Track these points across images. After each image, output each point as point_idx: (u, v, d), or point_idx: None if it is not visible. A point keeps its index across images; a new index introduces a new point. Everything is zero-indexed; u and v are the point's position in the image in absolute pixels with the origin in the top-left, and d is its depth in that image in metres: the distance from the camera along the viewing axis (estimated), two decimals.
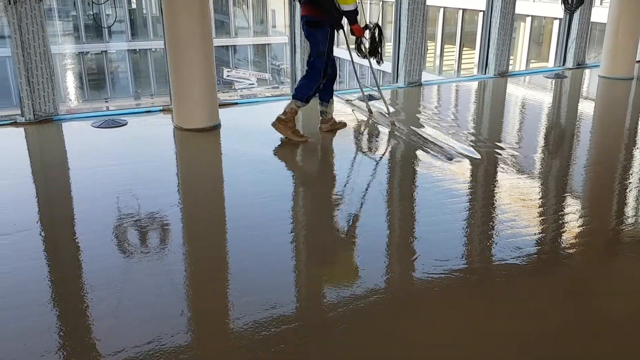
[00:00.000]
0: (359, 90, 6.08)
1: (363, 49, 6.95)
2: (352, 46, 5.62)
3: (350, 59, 5.67)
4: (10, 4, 5.24)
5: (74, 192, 4.25)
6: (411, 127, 5.59)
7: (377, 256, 3.28)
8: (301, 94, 5.01)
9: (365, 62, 5.92)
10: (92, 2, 5.47)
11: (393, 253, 3.36)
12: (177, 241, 3.53)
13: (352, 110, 6.21)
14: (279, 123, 5.02)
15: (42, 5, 5.36)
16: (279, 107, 5.20)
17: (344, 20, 4.97)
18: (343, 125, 5.55)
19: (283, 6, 24.36)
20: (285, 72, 24.94)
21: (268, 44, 25.17)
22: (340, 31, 5.10)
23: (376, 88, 6.00)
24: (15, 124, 5.56)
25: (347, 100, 6.48)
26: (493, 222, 3.66)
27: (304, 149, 5.04)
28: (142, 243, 3.43)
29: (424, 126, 5.72)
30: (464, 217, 3.75)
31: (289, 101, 5.05)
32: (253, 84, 25.27)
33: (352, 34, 5.16)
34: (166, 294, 2.91)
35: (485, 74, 8.06)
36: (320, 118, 5.41)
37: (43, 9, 5.38)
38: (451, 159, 4.68)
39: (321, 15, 4.82)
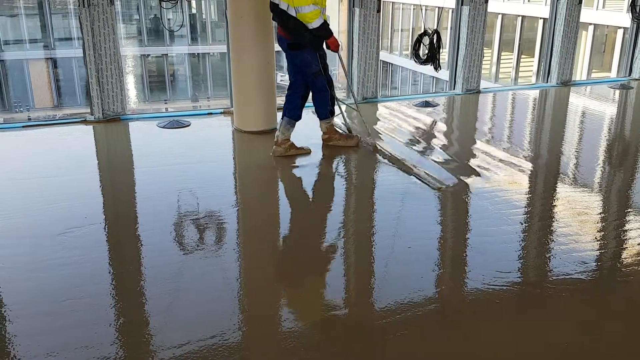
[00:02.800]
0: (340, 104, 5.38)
1: (421, 55, 6.95)
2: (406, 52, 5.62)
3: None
4: (84, 6, 5.51)
5: (138, 190, 4.42)
6: (395, 153, 4.93)
7: (436, 265, 3.24)
8: (323, 113, 4.98)
9: (421, 68, 5.68)
10: (160, 6, 5.67)
11: (453, 262, 3.31)
12: (237, 240, 3.61)
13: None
14: (327, 142, 5.09)
15: (114, 8, 5.61)
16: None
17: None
18: (306, 151, 4.95)
19: (338, 12, 24.46)
20: (336, 78, 24.99)
21: (341, 55, 25.32)
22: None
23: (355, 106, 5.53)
24: (85, 122, 5.83)
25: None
26: (556, 235, 3.55)
27: (358, 154, 5.05)
28: (202, 241, 3.52)
29: (477, 137, 5.61)
30: (526, 228, 3.66)
31: (320, 124, 5.08)
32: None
33: (328, 48, 4.73)
34: (227, 291, 2.98)
35: (547, 82, 7.85)
36: (275, 139, 4.91)
37: (114, 12, 5.63)
38: (439, 188, 4.22)
39: (297, 39, 4.58)
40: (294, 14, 4.46)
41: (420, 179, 4.41)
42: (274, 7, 4.58)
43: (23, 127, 5.92)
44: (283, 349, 2.53)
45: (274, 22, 4.79)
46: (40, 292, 2.91)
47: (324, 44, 4.70)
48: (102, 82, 5.73)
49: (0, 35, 18.99)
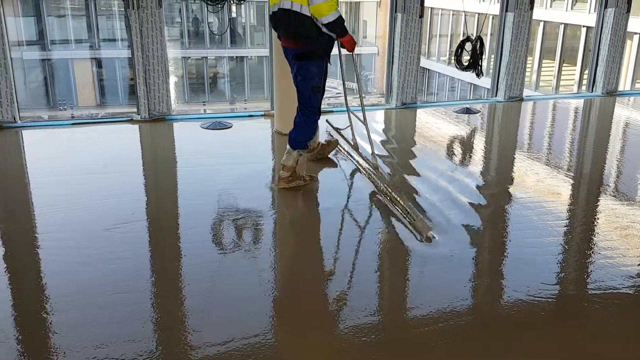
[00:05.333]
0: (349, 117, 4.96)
1: (463, 61, 6.90)
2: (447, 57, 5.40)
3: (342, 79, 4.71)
4: (133, 8, 5.66)
5: (182, 189, 4.51)
6: (393, 186, 4.22)
7: (479, 274, 3.21)
8: (301, 142, 4.23)
9: (459, 74, 5.42)
10: (207, 9, 5.78)
11: (496, 272, 3.27)
12: (275, 242, 3.65)
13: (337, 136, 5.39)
14: (286, 183, 4.26)
15: (162, 11, 5.75)
16: (371, 115, 5.18)
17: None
18: (334, 145, 4.90)
19: (375, 17, 24.45)
20: (372, 82, 24.96)
21: (358, 54, 25.35)
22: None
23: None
24: (131, 121, 5.99)
25: (336, 128, 5.53)
26: (602, 249, 3.47)
27: (401, 160, 5.03)
28: (241, 241, 3.57)
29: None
30: (571, 240, 3.59)
31: (286, 155, 4.26)
32: (340, 92, 25.47)
33: (342, 47, 4.13)
34: (265, 291, 3.02)
35: (592, 91, 7.68)
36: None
37: (163, 15, 5.76)
38: (426, 237, 3.55)
39: (309, 46, 3.96)
40: (307, 12, 3.81)
41: (402, 221, 3.78)
42: (279, 15, 3.98)
43: (72, 124, 6.12)
44: (329, 350, 2.54)
45: (276, 32, 4.22)
46: (90, 285, 3.00)
47: (338, 44, 4.12)
48: (149, 83, 5.88)
49: (47, 34, 19.64)
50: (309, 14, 3.81)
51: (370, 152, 4.56)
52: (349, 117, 4.91)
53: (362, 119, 4.61)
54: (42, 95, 19.72)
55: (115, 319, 2.73)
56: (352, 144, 4.96)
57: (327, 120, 5.64)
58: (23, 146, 5.56)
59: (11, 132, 5.70)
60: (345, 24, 3.92)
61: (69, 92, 19.79)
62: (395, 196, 4.01)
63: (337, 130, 5.50)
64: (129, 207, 3.94)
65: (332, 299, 3.01)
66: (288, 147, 4.27)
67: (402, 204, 3.90)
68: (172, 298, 2.94)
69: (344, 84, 4.92)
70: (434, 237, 3.55)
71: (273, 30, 5.47)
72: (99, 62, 20.26)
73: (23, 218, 3.89)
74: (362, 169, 4.71)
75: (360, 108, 4.66)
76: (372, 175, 4.49)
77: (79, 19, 20.28)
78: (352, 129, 4.96)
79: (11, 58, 5.70)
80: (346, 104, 4.96)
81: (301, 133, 4.23)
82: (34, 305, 2.83)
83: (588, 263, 3.33)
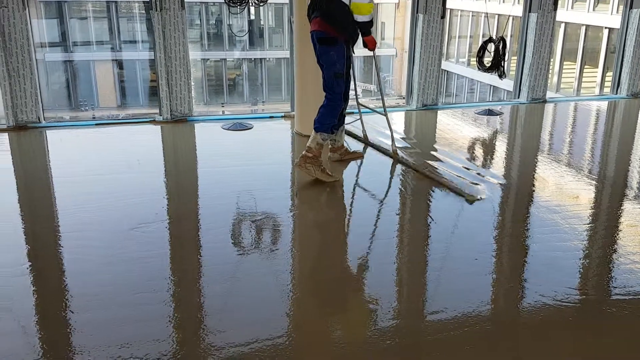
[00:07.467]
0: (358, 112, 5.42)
1: (485, 62, 6.83)
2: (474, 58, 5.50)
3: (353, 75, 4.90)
4: (156, 10, 5.70)
5: (203, 189, 4.53)
6: (424, 160, 4.90)
7: (505, 278, 3.16)
8: (324, 125, 4.36)
9: (478, 75, 5.55)
10: (230, 12, 5.81)
11: (523, 277, 3.22)
12: (298, 243, 3.64)
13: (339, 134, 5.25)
14: (304, 162, 4.35)
15: (185, 12, 5.78)
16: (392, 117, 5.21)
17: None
18: (359, 155, 5.03)
19: (394, 19, 24.37)
20: (390, 84, 24.87)
21: (378, 55, 25.27)
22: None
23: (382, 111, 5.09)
24: (154, 122, 6.03)
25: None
26: (631, 254, 3.39)
27: (416, 161, 4.99)
28: (261, 242, 3.56)
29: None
30: (598, 244, 3.52)
31: (311, 136, 4.41)
32: (358, 94, 25.38)
33: (365, 46, 4.52)
34: (285, 293, 3.00)
35: (616, 93, 7.55)
36: (329, 146, 4.80)
37: (185, 17, 5.80)
38: (472, 202, 4.08)
39: (335, 31, 4.24)
40: (347, 1, 4.20)
41: (450, 189, 4.27)
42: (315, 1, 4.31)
43: (95, 125, 6.19)
44: (354, 353, 2.51)
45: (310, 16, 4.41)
46: (113, 285, 3.01)
47: (362, 42, 4.50)
48: (171, 84, 5.92)
49: (69, 36, 19.90)
50: (347, 2, 4.19)
51: (392, 141, 4.92)
52: (359, 109, 5.20)
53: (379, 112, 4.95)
54: (64, 96, 20.00)
55: (139, 318, 2.74)
56: (362, 135, 5.34)
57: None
58: (47, 146, 5.63)
59: (35, 132, 5.78)
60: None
61: (90, 93, 20.03)
62: (429, 173, 4.58)
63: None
64: (151, 207, 3.96)
65: (354, 302, 2.99)
66: (313, 131, 4.40)
67: (439, 179, 4.47)
68: (195, 298, 2.95)
69: (354, 78, 5.05)
70: (480, 199, 4.13)
71: (293, 32, 5.49)
72: (119, 64, 20.49)
73: (47, 217, 3.93)
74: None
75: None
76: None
77: (100, 21, 20.53)
78: (362, 121, 5.34)
79: (36, 60, 5.78)
80: (356, 96, 5.21)
81: (324, 116, 4.38)
82: (57, 304, 2.85)
83: (616, 268, 3.26)
